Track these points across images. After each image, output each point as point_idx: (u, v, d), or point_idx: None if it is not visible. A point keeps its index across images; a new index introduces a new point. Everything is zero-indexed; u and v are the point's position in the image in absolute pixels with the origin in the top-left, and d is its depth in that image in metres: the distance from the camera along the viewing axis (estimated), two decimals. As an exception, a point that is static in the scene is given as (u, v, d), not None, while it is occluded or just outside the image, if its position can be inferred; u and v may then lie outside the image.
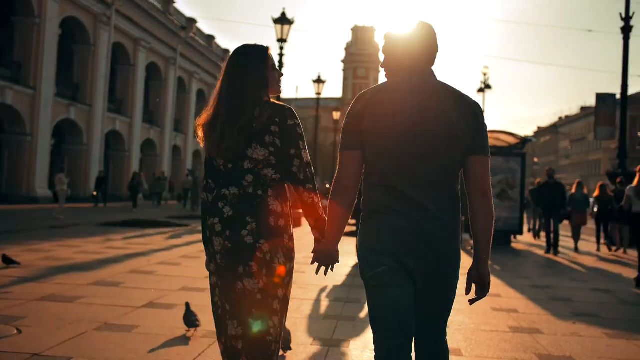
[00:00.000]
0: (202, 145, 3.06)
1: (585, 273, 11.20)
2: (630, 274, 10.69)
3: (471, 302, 2.68)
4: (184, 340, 5.13)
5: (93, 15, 34.04)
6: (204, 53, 50.07)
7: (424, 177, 2.57)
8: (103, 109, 35.57)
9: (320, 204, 3.01)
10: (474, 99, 2.73)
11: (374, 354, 2.68)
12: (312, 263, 2.89)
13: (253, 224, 2.87)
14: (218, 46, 53.92)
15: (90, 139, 34.59)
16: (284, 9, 22.41)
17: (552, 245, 14.15)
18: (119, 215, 20.65)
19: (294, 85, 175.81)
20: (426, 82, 2.67)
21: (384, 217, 2.59)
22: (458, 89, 2.72)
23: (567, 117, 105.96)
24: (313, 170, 3.02)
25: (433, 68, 2.77)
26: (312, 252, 2.92)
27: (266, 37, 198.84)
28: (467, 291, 2.68)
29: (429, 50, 2.72)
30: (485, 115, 2.84)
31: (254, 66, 2.97)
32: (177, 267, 9.28)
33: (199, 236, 15.05)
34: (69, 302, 6.32)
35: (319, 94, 34.63)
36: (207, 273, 3.13)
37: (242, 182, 2.91)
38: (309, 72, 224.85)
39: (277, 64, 3.14)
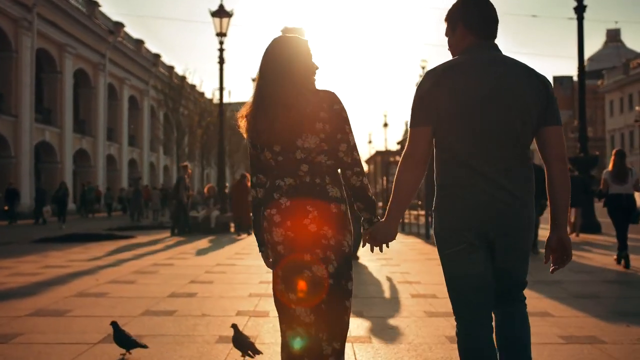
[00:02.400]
0: (245, 136, 3.05)
1: (578, 264, 10.34)
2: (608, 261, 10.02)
3: (553, 271, 2.78)
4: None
5: (12, 20, 32.14)
6: (134, 58, 48.36)
7: (499, 151, 2.60)
8: (30, 119, 33.81)
9: (369, 186, 2.98)
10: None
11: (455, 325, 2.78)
12: (366, 242, 2.90)
13: (314, 212, 2.86)
14: (148, 50, 52.19)
15: (19, 151, 32.83)
16: (221, 1, 21.13)
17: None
18: (49, 232, 18.91)
19: (226, 89, 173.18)
20: (495, 56, 2.70)
21: (460, 192, 2.63)
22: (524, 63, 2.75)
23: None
24: (359, 152, 3.03)
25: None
26: (367, 231, 2.91)
27: (198, 41, 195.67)
28: (547, 260, 2.76)
29: (494, 23, 2.78)
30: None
31: (303, 53, 2.95)
32: (132, 286, 7.89)
33: (149, 248, 14.11)
34: (1, 343, 4.94)
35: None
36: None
37: (297, 172, 2.90)
38: (241, 76, 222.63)
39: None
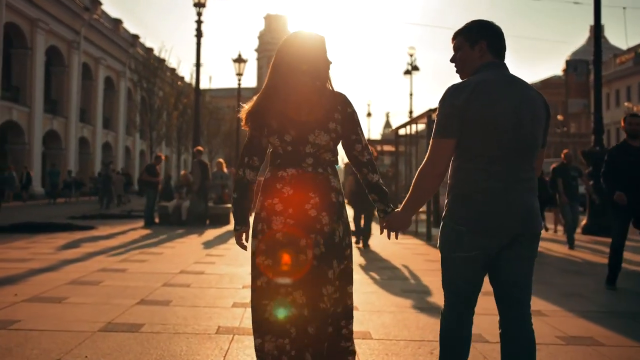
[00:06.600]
0: (245, 127, 3.15)
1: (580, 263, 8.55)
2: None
3: None
4: None
5: (-23, -10, 29.88)
6: (110, 37, 46.01)
7: (520, 162, 2.84)
8: (-4, 97, 31.49)
9: (381, 180, 3.19)
10: None
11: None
12: (385, 227, 3.14)
13: (316, 199, 2.99)
14: (126, 30, 49.93)
15: (-18, 131, 30.49)
16: (201, -31, 19.08)
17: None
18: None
19: (207, 74, 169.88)
20: (512, 76, 2.95)
21: (483, 197, 2.79)
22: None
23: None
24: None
25: None
26: (383, 220, 3.15)
27: (179, 25, 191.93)
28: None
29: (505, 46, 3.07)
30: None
31: (316, 54, 3.05)
32: (57, 308, 5.70)
33: (105, 244, 11.44)
34: None
35: (240, 74, 31.13)
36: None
37: (302, 164, 3.02)
38: (221, 62, 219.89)
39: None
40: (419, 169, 2.93)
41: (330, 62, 3.12)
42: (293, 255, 2.97)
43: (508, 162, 2.79)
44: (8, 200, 28.33)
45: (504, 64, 2.99)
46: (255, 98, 3.13)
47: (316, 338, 2.97)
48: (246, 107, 3.16)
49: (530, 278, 2.94)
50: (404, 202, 3.02)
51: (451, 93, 2.85)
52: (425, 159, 2.90)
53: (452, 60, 3.09)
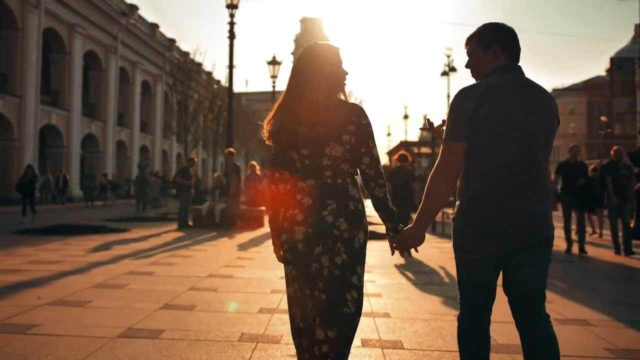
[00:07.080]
0: (268, 142, 3.14)
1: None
2: None
3: None
4: None
5: (19, -3, 30.33)
6: (147, 42, 46.52)
7: (532, 166, 2.80)
8: (36, 101, 32.19)
9: (389, 197, 3.11)
10: None
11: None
12: (396, 247, 3.07)
13: (333, 205, 2.97)
14: (162, 35, 50.30)
15: (22, 134, 31.18)
16: (234, -30, 18.96)
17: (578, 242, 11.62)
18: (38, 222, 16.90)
19: (243, 78, 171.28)
20: (525, 79, 2.92)
21: (489, 201, 2.78)
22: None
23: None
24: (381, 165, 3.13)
25: None
26: (395, 238, 3.07)
27: (215, 31, 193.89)
28: None
29: (520, 49, 3.01)
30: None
31: (332, 64, 3.05)
32: (76, 313, 5.50)
33: (137, 247, 11.31)
34: None
35: (274, 76, 30.93)
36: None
37: (321, 176, 3.01)
38: (258, 65, 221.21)
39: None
40: (429, 175, 2.91)
41: (347, 73, 3.10)
42: (310, 265, 2.96)
43: (516, 167, 2.77)
44: (46, 203, 28.74)
45: (518, 66, 2.95)
46: (273, 111, 3.14)
47: (337, 343, 2.92)
48: (265, 121, 3.16)
49: (542, 284, 2.88)
50: (416, 216, 2.98)
51: (461, 97, 2.84)
52: (436, 163, 2.90)
53: (467, 66, 3.07)
